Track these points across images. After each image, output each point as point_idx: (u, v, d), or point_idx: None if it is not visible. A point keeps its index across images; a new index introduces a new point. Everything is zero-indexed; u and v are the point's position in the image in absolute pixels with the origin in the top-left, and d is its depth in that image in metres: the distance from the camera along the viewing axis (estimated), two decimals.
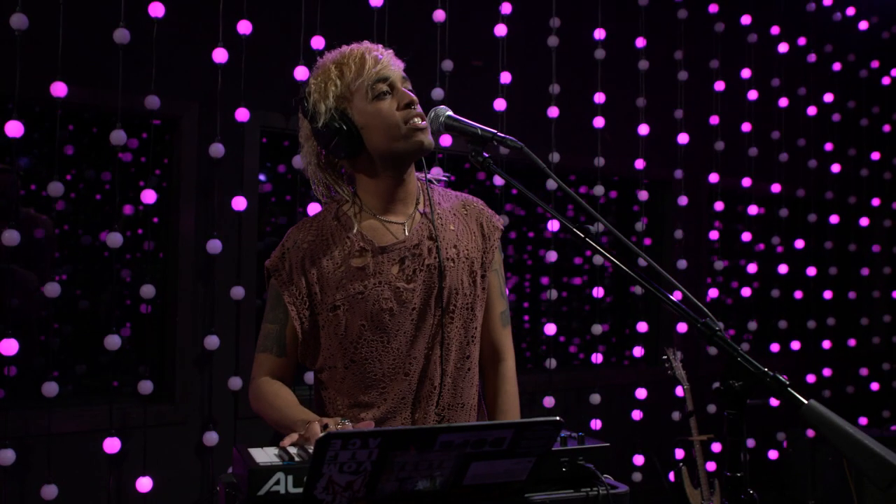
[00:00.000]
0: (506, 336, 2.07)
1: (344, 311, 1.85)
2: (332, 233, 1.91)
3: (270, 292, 1.93)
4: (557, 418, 1.33)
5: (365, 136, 1.85)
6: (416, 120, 1.83)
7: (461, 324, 1.91)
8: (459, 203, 2.03)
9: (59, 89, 3.14)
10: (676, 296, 1.43)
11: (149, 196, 3.37)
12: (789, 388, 1.26)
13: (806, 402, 1.25)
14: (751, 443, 5.03)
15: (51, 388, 3.12)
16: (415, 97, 1.87)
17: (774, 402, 5.07)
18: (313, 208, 3.69)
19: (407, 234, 1.90)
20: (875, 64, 5.94)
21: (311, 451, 1.44)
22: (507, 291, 2.09)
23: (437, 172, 2.07)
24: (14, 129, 3.05)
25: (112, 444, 3.26)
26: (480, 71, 4.24)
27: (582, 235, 1.49)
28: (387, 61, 1.88)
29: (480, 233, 2.00)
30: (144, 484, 3.35)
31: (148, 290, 3.36)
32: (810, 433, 5.07)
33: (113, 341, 3.23)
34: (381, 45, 1.94)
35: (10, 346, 3.02)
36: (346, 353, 1.87)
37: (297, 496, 1.32)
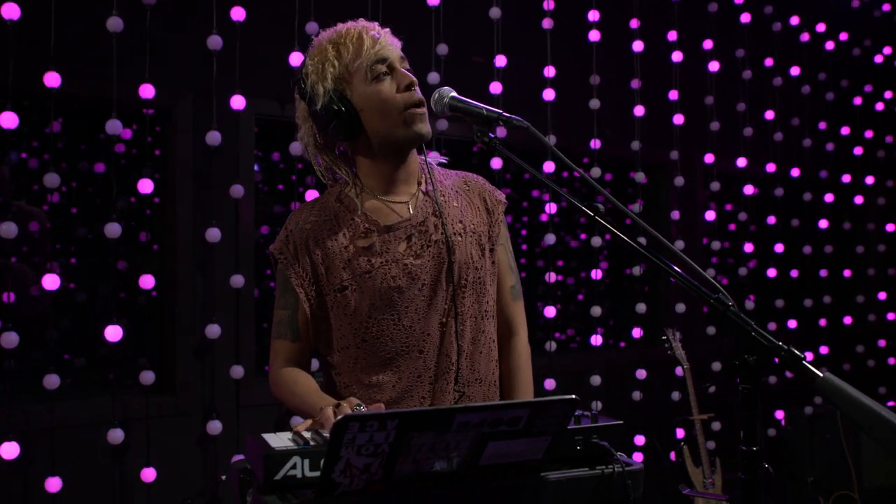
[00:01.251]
0: (517, 310, 2.06)
1: (352, 291, 1.83)
2: (335, 214, 1.89)
3: (278, 278, 1.92)
4: (573, 396, 1.33)
5: (364, 119, 1.84)
6: (416, 108, 1.83)
7: (474, 298, 1.90)
8: (461, 180, 2.03)
9: (52, 79, 3.11)
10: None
11: (145, 186, 3.35)
12: (804, 362, 1.26)
13: (821, 375, 1.25)
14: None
15: (52, 381, 3.11)
16: (414, 78, 1.86)
17: (773, 379, 5.09)
18: (310, 195, 3.69)
19: (411, 212, 1.90)
20: (868, 42, 5.94)
21: (325, 435, 1.44)
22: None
23: (434, 156, 2.06)
24: (8, 120, 3.02)
25: (115, 436, 3.26)
26: (474, 54, 4.22)
27: (592, 214, 1.49)
28: (384, 41, 1.86)
29: (484, 207, 2.00)
30: (148, 474, 3.34)
31: (147, 281, 3.34)
32: (808, 411, 5.10)
33: (114, 332, 3.21)
34: (377, 24, 1.92)
35: (10, 340, 3.00)
36: (357, 333, 1.85)
37: (314, 480, 1.32)
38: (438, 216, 1.89)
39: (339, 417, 1.20)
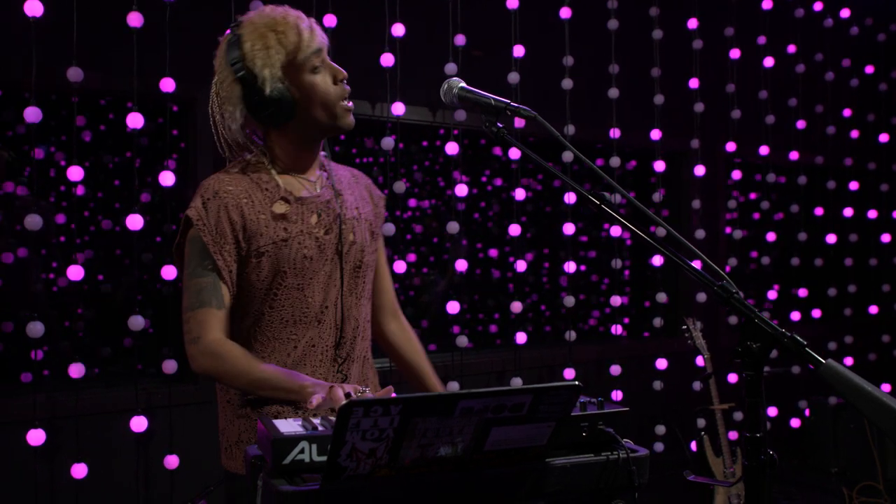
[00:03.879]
0: (394, 295, 2.25)
1: (267, 257, 1.88)
2: (248, 183, 1.92)
3: (192, 246, 1.89)
4: (576, 382, 1.34)
5: (299, 108, 1.89)
6: (346, 101, 1.92)
7: (365, 280, 2.03)
8: (349, 173, 2.15)
9: (75, 74, 3.16)
10: (696, 263, 1.44)
11: (167, 178, 3.39)
12: (807, 349, 1.27)
13: (824, 361, 1.25)
14: (773, 411, 5.03)
15: (78, 370, 3.17)
16: (345, 72, 1.93)
17: (797, 369, 5.07)
18: None
19: (319, 190, 1.98)
20: (893, 27, 5.86)
21: (333, 419, 1.47)
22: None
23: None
24: (32, 115, 3.08)
25: (139, 423, 3.31)
26: (493, 45, 4.23)
27: (598, 203, 1.50)
28: (319, 32, 1.92)
29: (371, 200, 2.13)
30: (171, 461, 3.40)
31: (169, 272, 3.39)
32: (832, 401, 5.07)
33: (137, 322, 3.27)
34: (301, 12, 1.96)
35: (36, 329, 3.06)
36: (266, 300, 1.90)
37: (322, 464, 1.34)
38: (338, 199, 1.99)
39: (344, 403, 1.23)
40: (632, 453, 1.49)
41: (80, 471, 3.21)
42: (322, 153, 2.07)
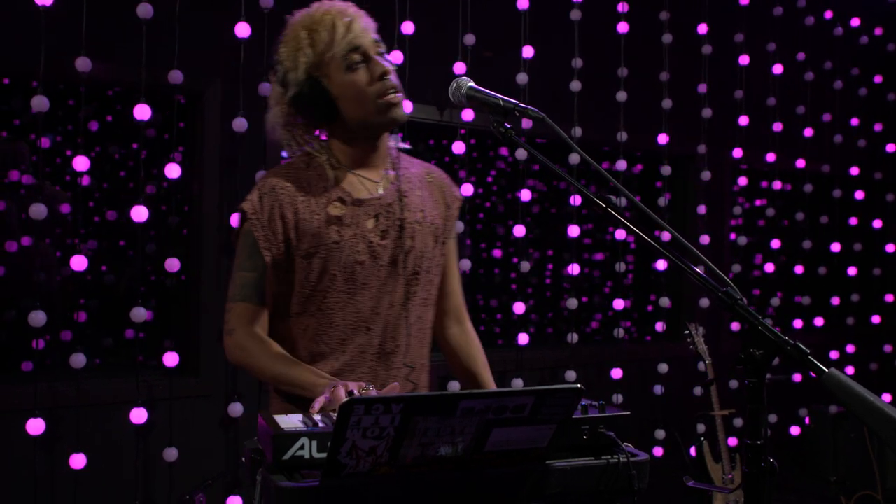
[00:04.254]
0: (463, 299, 2.18)
1: (318, 259, 1.86)
2: (308, 181, 1.91)
3: (244, 239, 1.90)
4: (578, 385, 1.34)
5: (340, 107, 1.88)
6: (390, 94, 1.86)
7: (424, 286, 1.97)
8: (424, 171, 2.08)
9: (83, 64, 3.16)
10: (700, 268, 1.43)
11: (173, 171, 3.39)
12: (810, 357, 1.27)
13: (827, 370, 1.25)
14: (773, 418, 5.02)
15: (79, 360, 3.17)
16: (389, 66, 1.89)
17: (797, 377, 5.06)
18: None
19: (381, 192, 1.94)
20: None
21: (334, 416, 1.47)
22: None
23: (396, 141, 2.11)
24: (39, 104, 3.08)
25: (139, 415, 3.31)
26: (502, 45, 4.22)
27: (604, 206, 1.49)
28: (358, 27, 1.87)
29: (444, 202, 2.07)
30: (171, 454, 3.40)
31: (172, 264, 3.39)
32: (833, 410, 5.06)
33: (139, 313, 3.27)
34: (351, 5, 1.93)
35: (38, 319, 3.07)
36: (314, 301, 1.88)
37: (321, 461, 1.34)
38: (402, 201, 1.94)
39: (345, 400, 1.23)
40: (632, 457, 1.48)
41: (78, 461, 3.21)
42: (395, 146, 2.03)
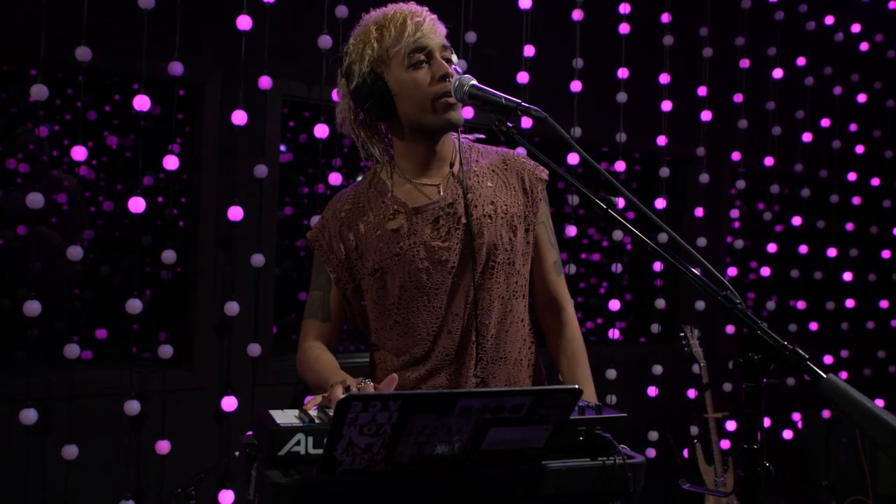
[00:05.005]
0: (561, 285, 2.09)
1: (384, 274, 1.91)
2: (368, 199, 1.97)
3: (315, 262, 2.01)
4: (576, 386, 1.34)
5: (397, 103, 1.88)
6: (448, 97, 1.84)
7: (503, 279, 1.94)
8: (499, 159, 2.04)
9: (83, 54, 3.15)
10: (696, 270, 1.43)
11: (171, 162, 3.38)
12: (808, 362, 1.26)
13: (825, 375, 1.25)
14: (766, 422, 5.03)
15: (72, 350, 3.17)
16: (450, 70, 1.87)
17: (791, 381, 5.06)
18: (334, 178, 3.71)
19: (441, 193, 1.93)
20: None
21: (331, 413, 1.46)
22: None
23: (471, 135, 2.08)
24: (39, 92, 3.07)
25: (132, 407, 3.31)
26: (503, 44, 4.22)
27: (604, 206, 1.49)
28: (428, 28, 1.88)
29: (521, 187, 2.02)
30: (163, 447, 3.39)
31: (169, 256, 3.38)
32: (825, 414, 5.07)
33: (134, 305, 3.26)
34: (426, 9, 1.93)
35: (33, 308, 3.06)
36: (391, 314, 1.93)
37: (317, 457, 1.34)
38: (468, 197, 1.92)
39: (343, 396, 1.22)
40: (628, 459, 1.48)
41: (70, 452, 3.20)
42: (468, 139, 2.03)
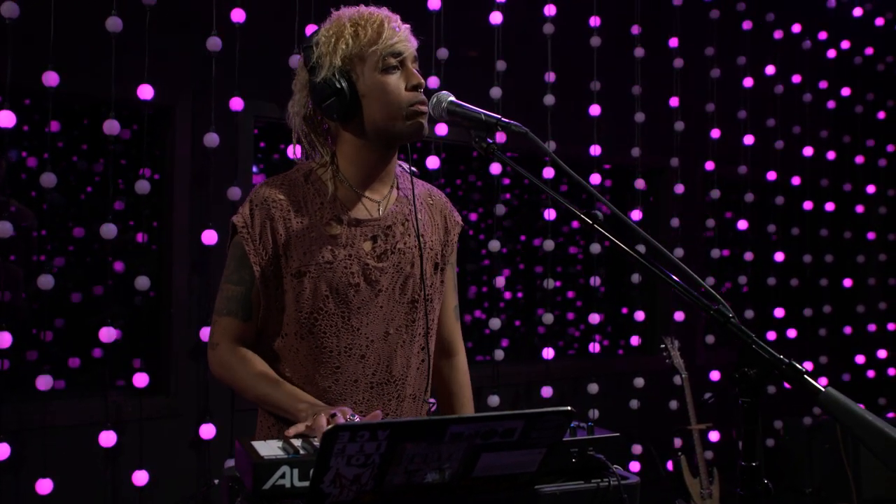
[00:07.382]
0: (457, 330, 2.08)
1: (310, 279, 1.78)
2: (304, 195, 1.84)
3: (234, 251, 1.83)
4: (569, 408, 1.30)
5: (364, 105, 1.80)
6: (420, 106, 1.80)
7: (420, 315, 1.89)
8: (426, 192, 2.00)
9: (50, 79, 3.09)
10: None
11: (142, 187, 3.32)
12: (805, 376, 1.24)
13: (823, 388, 1.22)
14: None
15: (45, 382, 3.09)
16: (423, 80, 1.84)
17: (772, 389, 5.07)
18: None
19: (381, 213, 1.86)
20: (869, 51, 5.92)
21: (316, 443, 1.42)
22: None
23: (404, 165, 2.01)
24: (5, 119, 3.00)
25: (108, 438, 3.23)
26: (475, 59, 4.21)
27: (590, 222, 1.46)
28: (404, 36, 1.83)
29: (443, 225, 1.98)
30: (141, 477, 3.31)
31: (142, 282, 3.32)
32: (807, 421, 5.08)
33: (108, 333, 3.19)
34: (399, 17, 1.88)
35: (2, 340, 2.98)
36: (304, 323, 1.80)
37: (303, 490, 1.29)
38: (404, 224, 1.87)
39: (329, 427, 1.18)
40: (622, 480, 1.45)
41: (45, 486, 3.12)
42: (401, 167, 1.95)
